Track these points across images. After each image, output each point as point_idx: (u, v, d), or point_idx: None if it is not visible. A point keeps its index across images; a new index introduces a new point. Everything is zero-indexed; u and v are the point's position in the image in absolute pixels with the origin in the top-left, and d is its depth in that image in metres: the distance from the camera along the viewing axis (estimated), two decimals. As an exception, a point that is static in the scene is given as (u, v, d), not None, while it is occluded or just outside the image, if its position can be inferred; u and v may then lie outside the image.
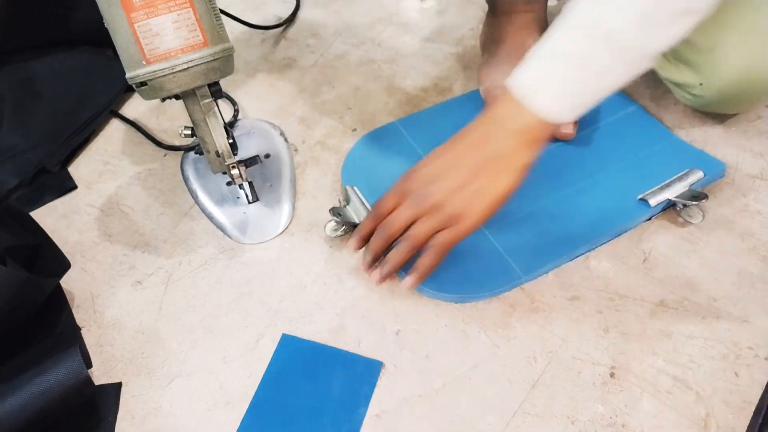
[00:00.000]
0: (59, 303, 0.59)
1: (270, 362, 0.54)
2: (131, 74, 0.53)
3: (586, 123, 0.68)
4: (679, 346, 0.53)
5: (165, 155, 0.73)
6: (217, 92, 0.56)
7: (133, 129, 0.76)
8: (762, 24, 0.59)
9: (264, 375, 0.53)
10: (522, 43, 0.70)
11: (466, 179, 0.51)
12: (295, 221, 0.64)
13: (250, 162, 0.64)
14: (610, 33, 0.46)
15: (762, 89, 0.62)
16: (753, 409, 0.49)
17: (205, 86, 0.55)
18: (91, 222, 0.66)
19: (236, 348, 0.55)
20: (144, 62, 0.52)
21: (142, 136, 0.75)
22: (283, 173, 0.67)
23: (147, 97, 0.54)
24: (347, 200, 0.62)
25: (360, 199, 0.62)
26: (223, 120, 0.59)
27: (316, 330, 0.56)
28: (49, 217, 0.67)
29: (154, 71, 0.52)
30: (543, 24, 0.73)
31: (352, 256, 0.61)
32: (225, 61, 0.55)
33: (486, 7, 0.75)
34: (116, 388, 0.53)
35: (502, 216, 0.60)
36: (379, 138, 0.70)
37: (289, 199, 0.65)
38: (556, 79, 0.49)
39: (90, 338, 0.57)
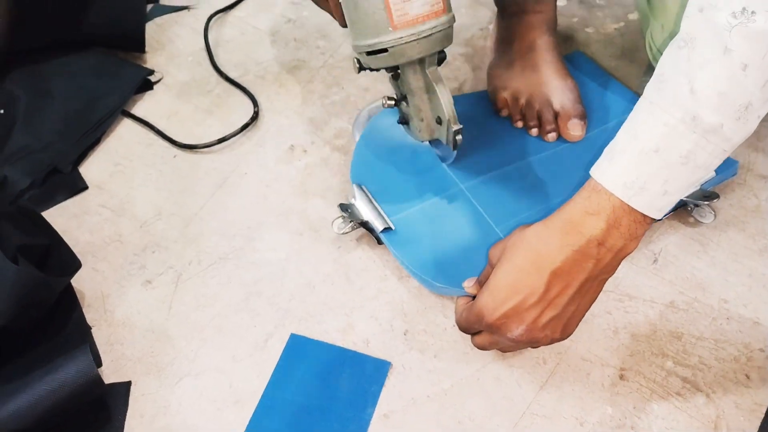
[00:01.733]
0: (70, 302, 0.59)
1: (278, 362, 0.54)
2: (373, 41, 0.53)
3: (595, 123, 0.68)
4: (689, 347, 0.53)
5: (175, 156, 0.73)
6: (442, 59, 0.57)
7: (144, 130, 0.76)
8: None
9: (272, 374, 0.53)
10: (531, 44, 0.70)
11: (547, 316, 0.46)
12: (305, 221, 0.65)
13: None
14: (715, 127, 0.42)
15: None
16: (764, 411, 0.49)
17: (435, 55, 0.55)
18: (101, 222, 0.67)
19: (245, 347, 0.56)
20: (390, 28, 0.52)
21: (153, 137, 0.75)
22: None
23: (380, 63, 0.54)
24: (354, 198, 0.62)
25: (368, 197, 0.62)
26: None
27: (324, 330, 0.56)
28: (60, 217, 0.67)
29: (400, 37, 0.52)
30: (553, 25, 0.72)
31: (361, 257, 0.61)
32: (452, 29, 0.55)
33: (495, 8, 0.75)
34: (126, 386, 0.54)
35: (514, 214, 0.60)
36: (387, 125, 0.69)
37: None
38: (661, 177, 0.43)
39: (100, 337, 0.57)
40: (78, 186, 0.70)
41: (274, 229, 0.64)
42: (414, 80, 0.56)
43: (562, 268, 0.45)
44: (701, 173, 0.44)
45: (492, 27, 0.77)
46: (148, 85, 0.82)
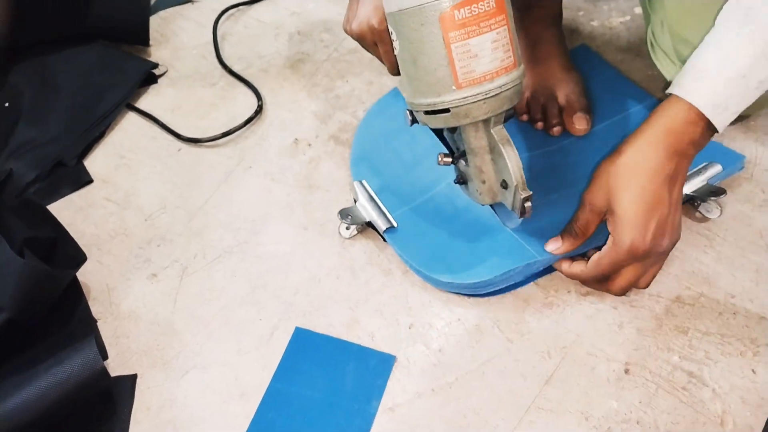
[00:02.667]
0: (76, 295, 0.59)
1: (284, 355, 0.54)
2: (434, 100, 0.48)
3: (600, 117, 0.68)
4: (695, 342, 0.53)
5: (180, 149, 0.73)
6: (510, 116, 0.51)
7: (148, 123, 0.76)
8: None
9: (278, 367, 0.53)
10: (537, 38, 0.70)
11: (674, 217, 0.51)
12: (309, 215, 0.65)
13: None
14: None
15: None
16: (771, 406, 0.49)
17: (502, 113, 0.49)
18: (107, 215, 0.67)
19: (250, 341, 0.56)
20: (454, 87, 0.46)
21: (157, 131, 0.75)
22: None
23: (440, 123, 0.49)
24: (356, 198, 0.62)
25: (369, 194, 0.62)
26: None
27: (329, 323, 0.56)
28: (65, 210, 0.67)
29: (465, 97, 0.46)
30: (558, 19, 0.72)
31: (365, 251, 0.61)
32: (522, 84, 0.50)
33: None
34: (131, 379, 0.54)
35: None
36: (384, 113, 0.69)
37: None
38: (740, 98, 0.49)
39: (106, 330, 0.58)
40: (83, 179, 0.70)
41: (278, 222, 0.64)
42: (476, 139, 0.50)
43: (675, 172, 0.50)
44: (759, 96, 0.49)
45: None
46: (152, 79, 0.81)
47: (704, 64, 0.49)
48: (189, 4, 0.93)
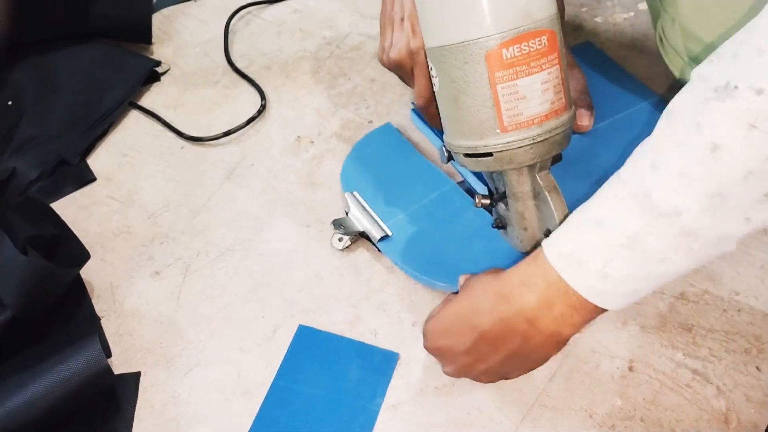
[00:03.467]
0: (79, 293, 0.59)
1: (287, 353, 0.54)
2: (474, 143, 0.44)
3: (604, 114, 0.67)
4: (699, 339, 0.52)
5: (182, 147, 0.73)
6: (557, 160, 0.47)
7: (151, 121, 0.76)
8: None
9: (281, 365, 0.53)
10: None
11: (499, 369, 0.46)
12: (312, 212, 0.65)
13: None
14: (669, 213, 0.36)
15: None
16: (775, 403, 0.48)
17: (551, 156, 0.45)
18: (110, 213, 0.67)
19: (253, 338, 0.56)
20: (498, 130, 0.43)
21: (160, 129, 0.75)
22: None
23: (481, 168, 0.46)
24: (348, 209, 0.61)
25: (361, 205, 0.61)
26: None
27: (332, 321, 0.56)
28: (69, 208, 0.68)
29: (510, 141, 0.43)
30: (560, 14, 0.71)
31: (368, 249, 0.61)
32: (572, 127, 0.46)
33: None
34: (135, 377, 0.54)
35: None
36: (375, 139, 0.69)
37: None
38: (602, 255, 0.38)
39: (109, 328, 0.58)
40: (86, 177, 0.70)
41: (281, 220, 0.64)
42: (519, 184, 0.46)
43: (490, 331, 0.42)
44: (659, 267, 0.37)
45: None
46: (155, 77, 0.81)
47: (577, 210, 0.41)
48: (191, 2, 0.93)
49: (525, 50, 0.41)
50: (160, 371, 0.54)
